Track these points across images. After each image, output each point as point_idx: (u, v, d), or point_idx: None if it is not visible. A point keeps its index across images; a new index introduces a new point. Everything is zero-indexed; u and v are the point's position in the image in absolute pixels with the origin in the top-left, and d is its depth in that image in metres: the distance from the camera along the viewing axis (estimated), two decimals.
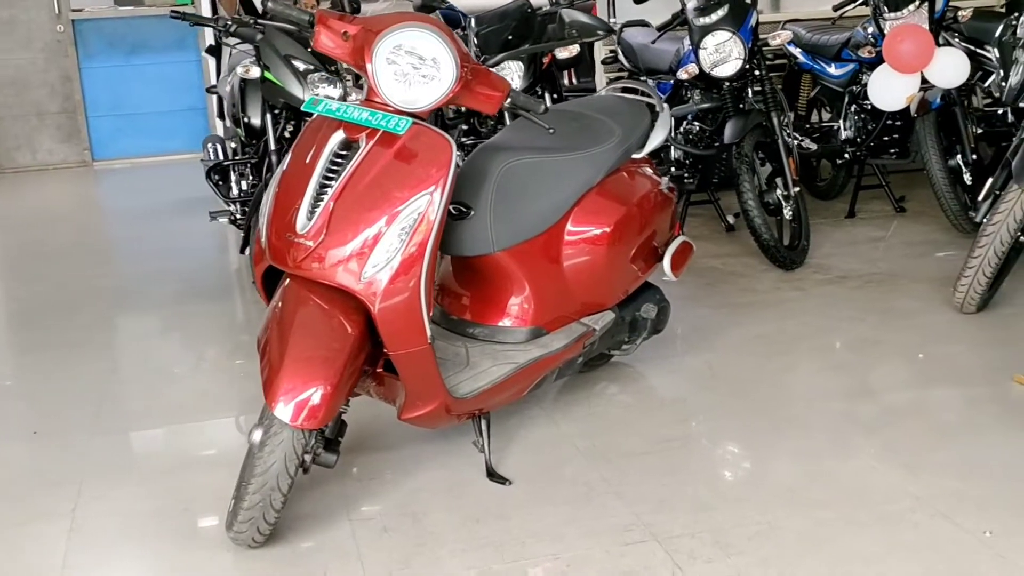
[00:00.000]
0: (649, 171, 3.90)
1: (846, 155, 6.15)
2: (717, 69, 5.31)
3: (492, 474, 3.35)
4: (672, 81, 5.90)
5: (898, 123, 5.95)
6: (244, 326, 5.10)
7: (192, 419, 3.98)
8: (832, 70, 6.16)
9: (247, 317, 5.25)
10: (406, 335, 2.99)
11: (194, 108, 10.55)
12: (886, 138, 6.03)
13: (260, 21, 4.95)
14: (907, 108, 5.67)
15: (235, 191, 5.68)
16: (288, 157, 3.17)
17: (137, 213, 7.97)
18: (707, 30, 5.29)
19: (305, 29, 3.14)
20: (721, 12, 5.29)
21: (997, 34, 4.85)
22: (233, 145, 5.71)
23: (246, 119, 5.18)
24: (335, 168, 3.00)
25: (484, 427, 3.41)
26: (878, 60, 5.74)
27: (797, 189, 5.36)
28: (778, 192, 5.29)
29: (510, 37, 5.01)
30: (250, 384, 4.18)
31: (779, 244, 5.24)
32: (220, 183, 5.95)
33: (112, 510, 3.30)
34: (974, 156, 5.61)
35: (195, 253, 6.66)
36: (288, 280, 3.05)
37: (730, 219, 6.14)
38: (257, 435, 2.98)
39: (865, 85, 5.94)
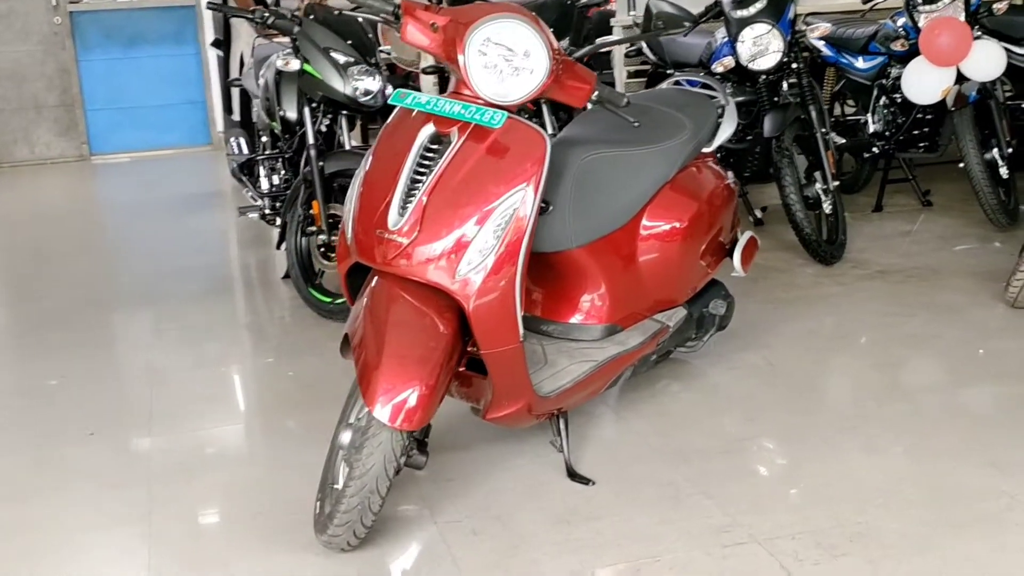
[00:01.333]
0: (715, 166, 3.86)
1: (875, 149, 6.13)
2: (756, 62, 5.27)
3: (573, 474, 3.29)
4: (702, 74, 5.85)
5: (928, 117, 5.94)
6: (275, 323, 5.01)
7: (242, 420, 3.91)
8: (859, 63, 6.13)
9: (277, 314, 5.17)
10: (499, 333, 2.93)
11: (193, 101, 10.43)
12: (915, 132, 6.01)
13: (295, 14, 4.88)
14: (937, 102, 5.65)
15: (265, 185, 5.60)
16: (372, 152, 3.10)
17: (143, 209, 7.87)
18: (746, 22, 5.25)
19: (389, 20, 3.07)
20: (760, 4, 5.25)
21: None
22: (265, 139, 5.61)
23: (282, 112, 5.09)
24: (426, 163, 2.93)
25: (563, 426, 3.35)
26: (910, 53, 5.72)
27: (836, 183, 5.33)
28: (817, 186, 5.25)
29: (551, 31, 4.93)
30: (287, 384, 4.14)
31: (820, 239, 5.21)
32: (247, 178, 5.88)
33: (186, 514, 3.22)
34: (1010, 150, 5.60)
35: (213, 250, 6.58)
36: (377, 277, 2.98)
37: (758, 213, 6.11)
38: (346, 436, 2.93)
39: (895, 78, 5.93)
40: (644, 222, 3.52)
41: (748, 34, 5.25)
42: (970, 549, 2.80)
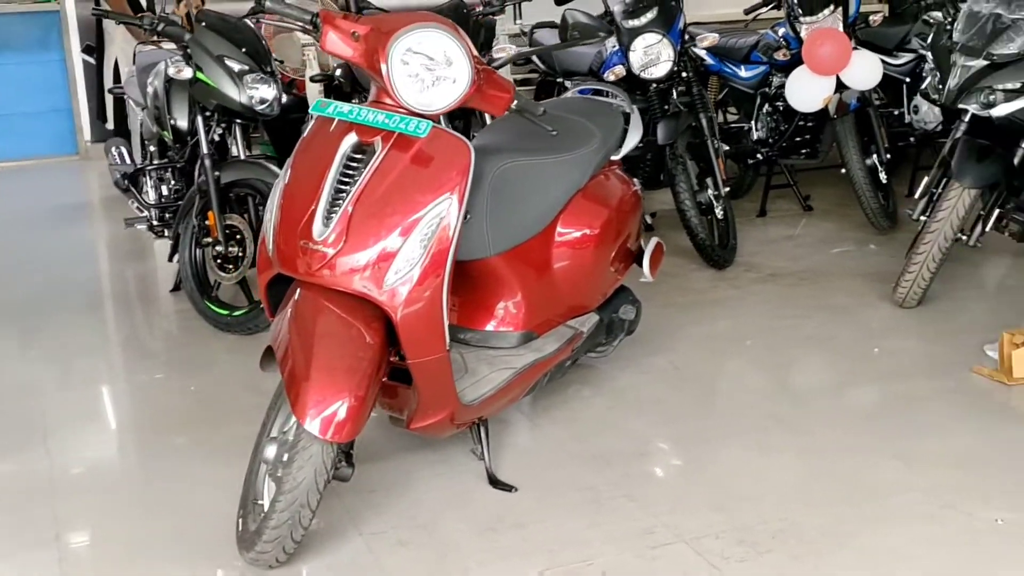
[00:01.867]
0: (621, 173, 3.91)
1: (758, 155, 6.29)
2: (647, 71, 5.35)
3: (495, 482, 3.30)
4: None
5: (810, 124, 6.11)
6: (167, 337, 4.89)
7: (147, 437, 3.81)
8: (742, 73, 6.28)
9: (166, 328, 5.04)
10: (426, 343, 2.92)
11: (58, 110, 10.12)
12: (798, 139, 6.19)
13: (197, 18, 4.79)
14: (818, 110, 5.82)
15: (153, 196, 5.47)
16: (291, 162, 3.06)
17: (9, 221, 7.57)
18: (637, 32, 5.32)
19: (308, 29, 3.04)
20: (650, 15, 5.33)
21: (931, 37, 5.03)
22: (152, 148, 5.48)
23: (172, 121, 4.98)
24: (350, 173, 2.91)
25: (483, 434, 3.36)
26: (792, 63, 5.89)
27: (728, 189, 5.45)
28: (709, 192, 5.37)
29: None
30: (189, 399, 4.07)
31: (714, 243, 5.32)
32: (132, 188, 5.73)
33: (98, 537, 3.14)
34: (888, 156, 5.81)
35: (89, 263, 6.40)
36: (300, 288, 2.94)
37: (648, 219, 6.21)
38: (271, 450, 2.89)
39: (777, 87, 6.09)
40: (558, 229, 3.55)
41: (640, 43, 5.32)
42: (889, 542, 2.90)
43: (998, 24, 4.34)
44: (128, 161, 5.91)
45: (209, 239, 4.80)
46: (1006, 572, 2.76)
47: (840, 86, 5.68)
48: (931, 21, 6.47)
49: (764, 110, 6.26)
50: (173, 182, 5.38)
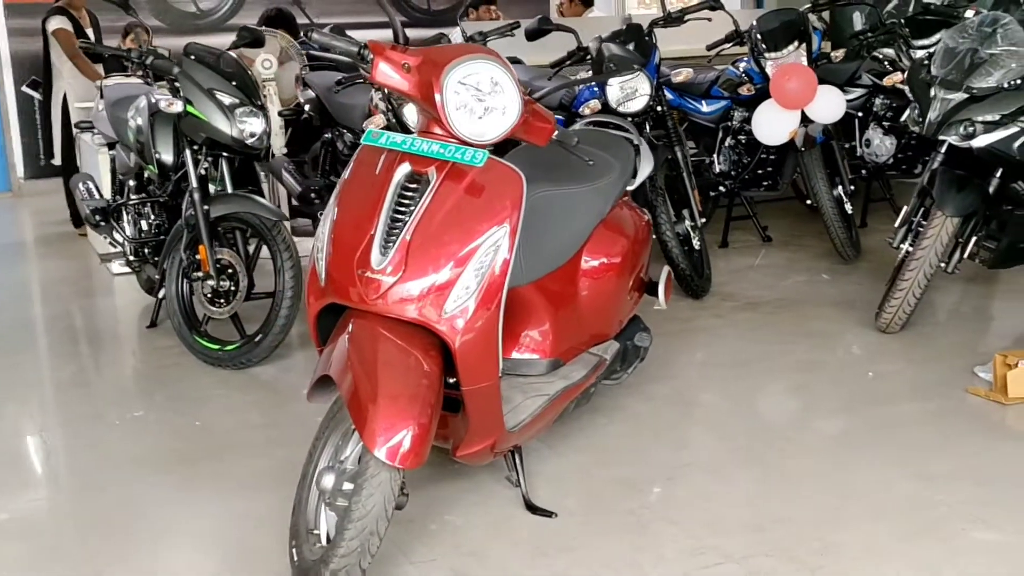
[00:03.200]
0: (634, 204, 4.00)
1: (721, 188, 6.43)
2: (624, 105, 5.45)
3: (533, 508, 3.34)
4: None
5: (772, 157, 6.28)
6: (159, 373, 4.83)
7: (174, 471, 3.77)
8: (704, 107, 6.42)
9: (149, 363, 4.97)
10: (481, 370, 2.96)
11: None
12: (760, 171, 6.35)
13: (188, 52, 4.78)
14: (780, 144, 5.99)
15: (131, 231, 5.40)
16: (339, 193, 3.08)
17: None
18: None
19: (356, 61, 3.06)
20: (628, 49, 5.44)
21: (908, 71, 5.21)
22: (131, 183, 5.42)
23: (157, 155, 4.94)
24: (405, 202, 2.94)
25: (518, 462, 3.40)
26: (755, 97, 6.05)
27: (704, 220, 5.58)
28: (687, 223, 5.48)
29: None
30: (197, 433, 4.03)
31: (693, 273, 5.43)
32: (102, 224, 5.65)
33: (139, 569, 3.09)
34: (852, 188, 6.01)
35: (55, 300, 6.26)
36: (355, 318, 2.95)
37: None
38: (328, 480, 2.89)
39: (740, 121, 6.25)
40: (583, 258, 3.62)
41: (618, 79, 5.42)
42: (930, 555, 3.01)
43: (975, 59, 4.54)
44: (97, 196, 5.83)
45: (199, 273, 4.77)
46: None
47: (804, 120, 5.85)
48: (880, 57, 6.76)
49: (727, 143, 6.40)
50: (153, 217, 5.31)
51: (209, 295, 4.80)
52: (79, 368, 4.99)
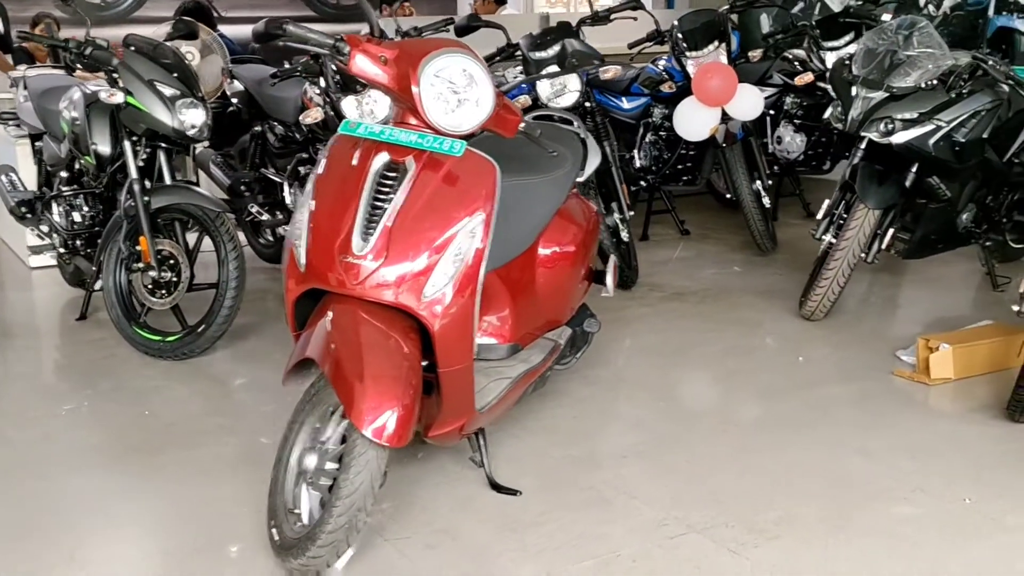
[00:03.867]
0: (581, 196, 4.13)
1: (642, 183, 6.61)
2: (555, 101, 5.58)
3: (498, 487, 3.45)
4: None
5: (691, 152, 6.48)
6: (90, 365, 4.81)
7: (130, 462, 3.79)
8: (624, 104, 6.59)
9: (84, 356, 4.94)
10: (458, 352, 3.07)
11: None
12: (679, 166, 6.54)
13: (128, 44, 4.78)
14: (700, 140, 6.19)
15: (62, 223, 5.34)
16: (315, 181, 3.15)
17: None
18: (544, 63, 5.55)
19: (332, 53, 3.13)
20: (557, 47, 5.57)
21: (830, 71, 5.44)
22: (63, 174, 5.37)
23: (94, 146, 4.92)
24: (384, 190, 3.02)
25: (482, 442, 3.51)
26: (675, 95, 6.24)
27: (631, 213, 5.75)
28: (616, 216, 5.64)
29: None
30: (147, 423, 4.07)
31: (623, 265, 5.59)
32: (28, 216, 5.59)
33: (115, 556, 3.13)
34: (770, 182, 6.24)
35: None
36: (334, 303, 3.03)
37: None
38: (311, 460, 2.97)
39: (660, 118, 6.44)
40: (540, 247, 3.73)
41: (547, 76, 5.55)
42: (880, 523, 3.21)
43: (894, 59, 4.78)
44: (21, 188, 5.76)
45: (140, 264, 4.76)
46: (986, 543, 3.10)
47: (723, 117, 6.06)
48: (790, 58, 7.02)
49: (647, 140, 6.58)
50: (86, 208, 5.28)
51: (150, 286, 4.79)
52: (13, 361, 4.93)
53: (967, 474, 3.52)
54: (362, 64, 3.10)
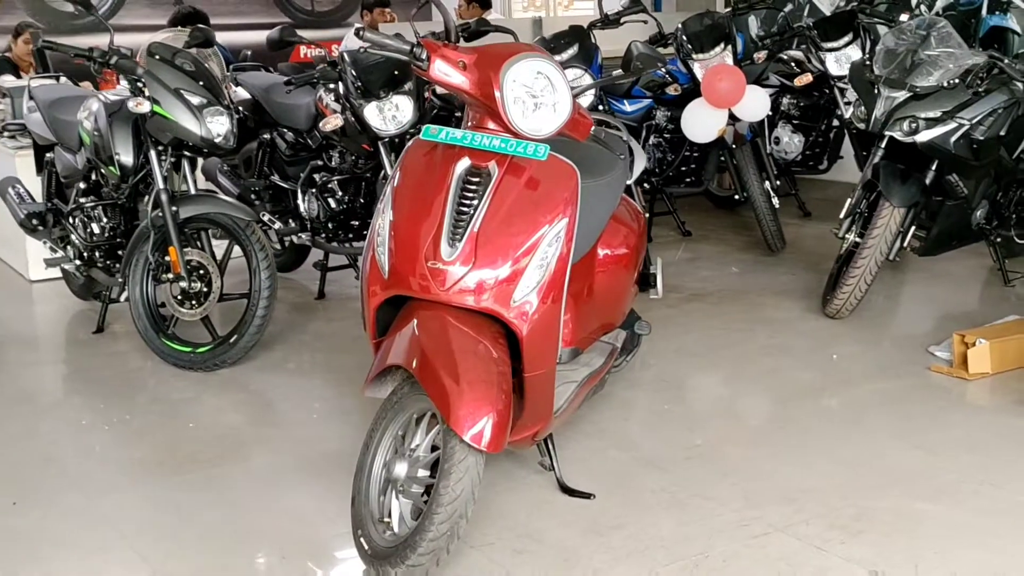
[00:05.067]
0: (629, 198, 4.15)
1: (645, 185, 6.65)
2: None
3: (570, 491, 3.45)
4: None
5: (695, 154, 6.54)
6: (123, 378, 4.75)
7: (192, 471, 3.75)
8: (626, 107, 6.64)
9: (113, 369, 4.88)
10: (544, 357, 3.08)
11: None
12: (683, 168, 6.60)
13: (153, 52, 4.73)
14: (706, 142, 6.25)
15: (80, 234, 5.26)
16: (394, 188, 3.14)
17: None
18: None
19: (410, 59, 3.12)
20: (572, 51, 5.62)
21: (850, 71, 5.50)
22: (82, 185, 5.29)
23: (117, 156, 4.86)
24: (469, 195, 3.02)
25: (551, 446, 3.51)
26: (681, 97, 6.30)
27: (647, 215, 5.78)
28: None
29: (396, 72, 5.06)
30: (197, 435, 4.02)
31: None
32: (39, 228, 5.52)
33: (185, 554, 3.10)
34: (778, 182, 6.30)
35: None
36: (419, 309, 3.02)
37: None
38: (401, 468, 2.96)
39: (665, 120, 6.49)
40: (599, 250, 3.74)
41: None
42: (954, 517, 3.25)
43: (915, 59, 4.85)
44: (30, 200, 5.67)
45: (170, 275, 4.71)
46: None
47: (730, 119, 6.11)
48: (786, 59, 7.10)
49: (650, 142, 6.63)
50: (106, 220, 5.20)
51: (179, 297, 4.75)
52: (37, 376, 4.87)
53: None
54: (442, 69, 3.09)
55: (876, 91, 4.92)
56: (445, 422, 2.82)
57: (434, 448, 2.98)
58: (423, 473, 2.95)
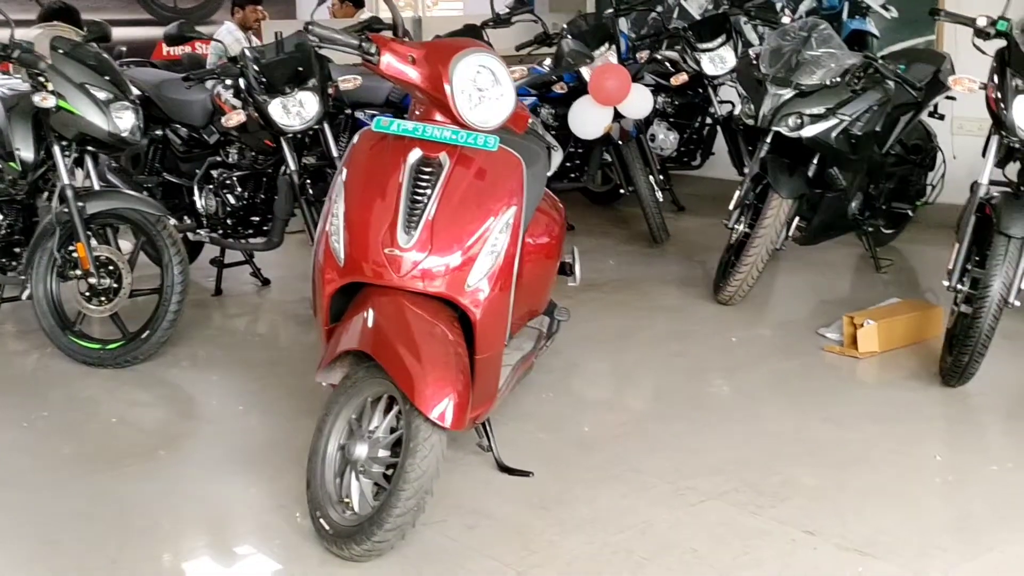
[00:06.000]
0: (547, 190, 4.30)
1: None
2: None
3: (509, 469, 3.58)
4: None
5: (580, 151, 6.74)
6: (28, 377, 4.68)
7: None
8: None
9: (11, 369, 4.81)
10: (495, 339, 3.21)
11: None
12: (568, 164, 6.79)
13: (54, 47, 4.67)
14: (590, 139, 6.46)
15: None
16: (345, 179, 3.22)
17: None
18: None
19: (360, 53, 3.20)
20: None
21: (738, 69, 5.77)
22: None
23: (17, 152, 4.78)
24: (421, 185, 3.13)
25: (488, 428, 3.63)
26: (567, 95, 6.49)
27: None
28: None
29: (300, 69, 5.10)
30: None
31: None
32: None
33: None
34: (662, 176, 6.56)
35: None
36: (374, 295, 3.11)
37: None
38: (362, 449, 3.05)
39: (550, 117, 6.68)
40: (527, 238, 3.88)
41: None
42: (873, 480, 3.50)
43: (799, 59, 5.15)
44: None
45: (78, 272, 4.67)
46: (970, 490, 3.45)
47: (615, 116, 6.34)
48: (660, 58, 7.36)
49: None
50: (1, 217, 5.10)
51: (87, 293, 4.70)
52: None
53: (929, 434, 3.87)
54: (391, 64, 3.19)
55: (763, 89, 5.19)
56: (410, 402, 2.92)
57: (391, 429, 3.07)
58: (383, 453, 3.04)
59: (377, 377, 3.09)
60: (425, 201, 3.11)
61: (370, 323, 3.08)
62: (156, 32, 10.49)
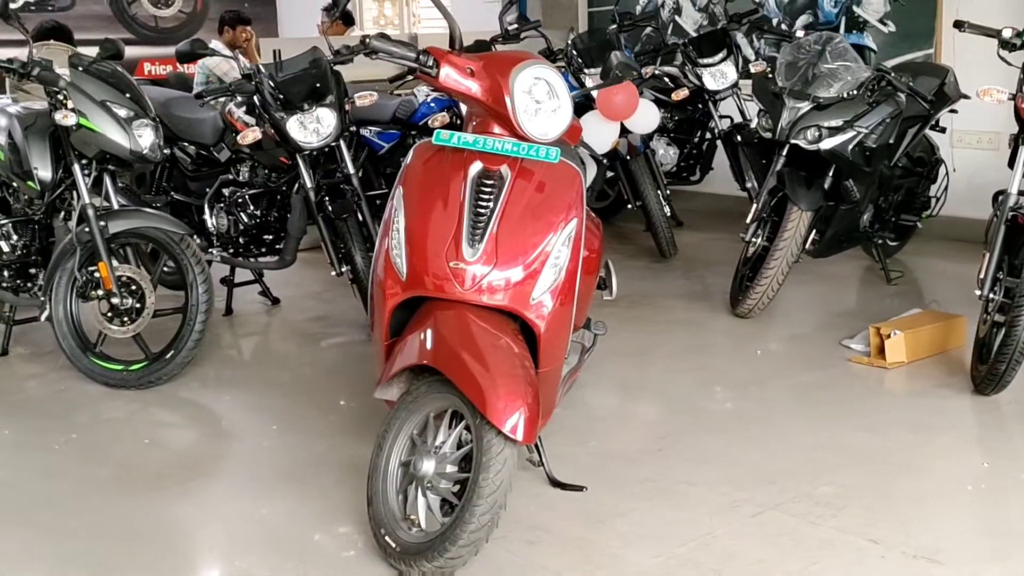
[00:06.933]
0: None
1: None
2: None
3: (561, 484, 3.56)
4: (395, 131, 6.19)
5: None
6: (51, 400, 4.60)
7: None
8: None
9: (34, 392, 4.73)
10: (557, 352, 3.20)
11: None
12: None
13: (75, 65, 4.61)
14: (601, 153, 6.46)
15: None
16: (403, 193, 3.20)
17: None
18: None
19: (417, 66, 3.18)
20: None
21: (754, 83, 5.80)
22: None
23: (35, 171, 4.72)
24: (484, 197, 3.11)
25: (540, 443, 3.61)
26: (574, 110, 6.48)
27: None
28: None
29: (318, 85, 5.06)
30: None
31: None
32: None
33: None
34: (668, 191, 6.57)
35: None
36: (437, 308, 3.09)
37: None
38: (428, 465, 3.01)
39: None
40: None
41: None
42: (926, 487, 3.52)
43: (815, 72, 5.18)
44: None
45: (100, 292, 4.60)
46: (1020, 498, 3.46)
47: (622, 131, 6.35)
48: (658, 74, 7.39)
49: None
50: (16, 238, 5.02)
51: (108, 314, 4.63)
52: None
53: (969, 442, 3.89)
54: (451, 76, 3.17)
55: (781, 102, 5.22)
56: (480, 416, 2.89)
57: (459, 444, 3.04)
58: (451, 469, 3.01)
59: (440, 392, 3.06)
60: (488, 214, 3.09)
61: (435, 337, 3.05)
62: (137, 52, 10.45)
